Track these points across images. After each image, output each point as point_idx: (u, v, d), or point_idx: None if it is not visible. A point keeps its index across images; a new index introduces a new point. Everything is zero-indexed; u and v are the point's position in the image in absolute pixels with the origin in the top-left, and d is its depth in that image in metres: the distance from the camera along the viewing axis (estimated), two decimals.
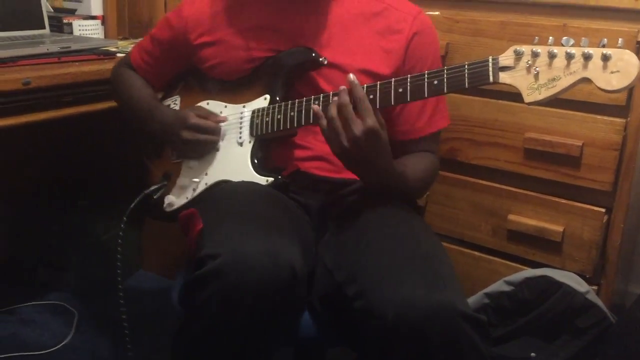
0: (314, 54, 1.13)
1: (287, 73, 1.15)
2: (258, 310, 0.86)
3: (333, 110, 0.99)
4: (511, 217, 1.46)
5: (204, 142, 1.18)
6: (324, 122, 1.01)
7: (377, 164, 1.02)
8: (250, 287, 0.85)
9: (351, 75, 1.00)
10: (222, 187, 1.15)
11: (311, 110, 1.07)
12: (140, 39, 1.42)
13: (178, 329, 0.94)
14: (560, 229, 1.40)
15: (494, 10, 1.46)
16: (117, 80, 1.37)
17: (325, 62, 1.13)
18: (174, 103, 1.31)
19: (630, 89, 1.29)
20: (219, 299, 0.86)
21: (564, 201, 1.41)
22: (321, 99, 1.06)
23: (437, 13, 1.50)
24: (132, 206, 1.26)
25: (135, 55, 1.35)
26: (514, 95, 1.41)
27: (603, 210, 1.37)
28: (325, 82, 1.16)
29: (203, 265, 0.88)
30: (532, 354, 1.35)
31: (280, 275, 0.86)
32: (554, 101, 1.35)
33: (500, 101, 1.44)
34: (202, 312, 0.89)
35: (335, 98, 1.01)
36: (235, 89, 1.21)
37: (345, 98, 0.99)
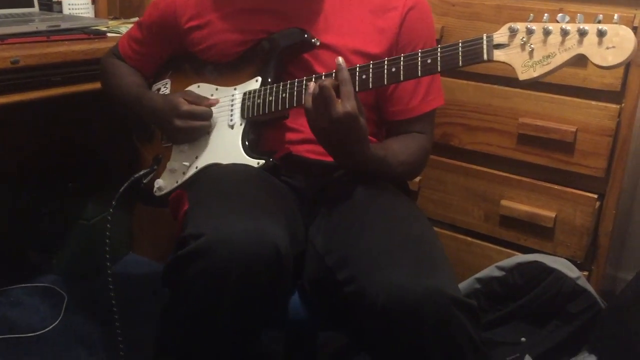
0: (306, 35, 1.12)
1: (279, 55, 1.13)
2: (242, 289, 0.86)
3: (315, 89, 0.98)
4: (504, 202, 1.46)
5: (197, 129, 1.17)
6: (308, 99, 1.01)
7: (352, 148, 1.02)
8: (233, 266, 0.85)
9: (339, 58, 0.99)
10: (211, 170, 1.14)
11: (302, 92, 1.05)
12: (131, 19, 1.40)
13: (163, 308, 0.94)
14: (552, 214, 1.40)
15: None
16: (105, 71, 1.36)
17: (318, 43, 1.12)
18: (165, 87, 1.29)
19: (625, 76, 1.30)
20: (202, 278, 0.86)
21: (556, 187, 1.41)
22: (313, 80, 1.05)
23: None
24: (121, 191, 1.25)
25: (124, 45, 1.34)
26: (509, 80, 1.41)
27: (595, 196, 1.37)
28: (318, 63, 1.15)
29: (186, 245, 0.88)
30: (523, 339, 1.35)
31: (263, 253, 0.86)
32: (549, 86, 1.36)
33: (494, 86, 1.44)
34: (186, 292, 0.89)
35: (310, 82, 1.01)
36: (226, 71, 1.19)
37: (328, 80, 0.99)
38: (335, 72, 1.00)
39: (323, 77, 1.04)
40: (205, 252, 0.86)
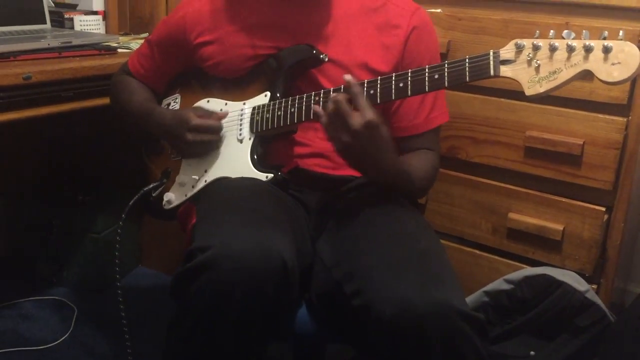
0: (314, 51, 1.13)
1: (287, 70, 1.14)
2: (249, 302, 0.86)
3: (331, 107, 0.99)
4: (511, 215, 1.46)
5: (208, 142, 1.18)
6: (325, 119, 1.01)
7: (379, 158, 1.02)
8: (240, 279, 0.85)
9: (346, 76, 1.00)
10: (220, 183, 1.14)
11: (311, 107, 1.06)
12: (142, 35, 1.42)
13: (171, 321, 0.94)
14: (560, 227, 1.40)
15: (496, 8, 1.45)
16: (115, 87, 1.37)
17: (326, 59, 1.13)
18: (175, 102, 1.31)
19: (631, 89, 1.30)
20: (209, 290, 0.87)
21: (564, 200, 1.40)
22: (321, 94, 1.06)
23: (439, 10, 1.49)
24: (130, 204, 1.26)
25: (134, 61, 1.36)
26: (515, 93, 1.41)
27: (603, 209, 1.37)
28: (325, 78, 1.16)
29: (194, 258, 0.89)
30: (532, 353, 1.35)
31: (270, 267, 0.86)
32: (555, 99, 1.36)
33: (501, 99, 1.44)
34: (193, 304, 0.89)
35: (314, 105, 1.03)
36: (235, 86, 1.20)
37: (340, 95, 0.99)
38: (344, 88, 1.00)
39: (331, 92, 1.05)
40: (212, 265, 0.86)
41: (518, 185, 1.46)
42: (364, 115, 0.97)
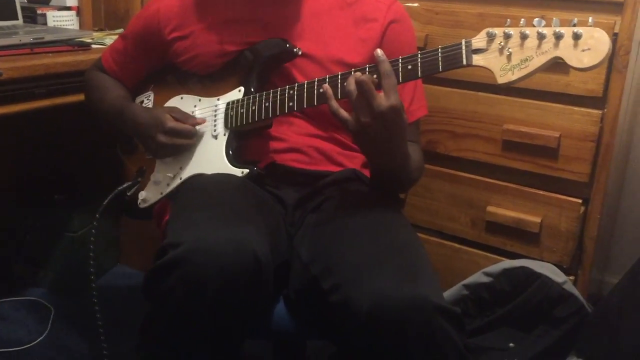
0: (288, 45, 1.12)
1: (261, 65, 1.13)
2: (221, 297, 0.85)
3: (352, 85, 0.95)
4: (490, 208, 1.46)
5: (181, 146, 1.16)
6: (334, 102, 0.98)
7: (393, 143, 0.99)
8: (212, 275, 0.84)
9: (379, 50, 0.96)
10: (195, 180, 1.13)
11: (285, 101, 1.05)
12: (116, 30, 1.40)
13: (144, 319, 0.93)
14: (538, 220, 1.41)
15: (472, 2, 1.46)
16: (88, 84, 1.35)
17: (300, 53, 1.12)
18: (148, 99, 1.29)
19: (606, 82, 1.31)
20: (181, 287, 0.85)
21: (541, 192, 1.41)
22: (296, 88, 1.05)
23: (416, 5, 1.50)
24: (105, 203, 1.24)
25: (107, 57, 1.34)
26: (493, 87, 1.42)
27: (580, 201, 1.38)
28: (299, 72, 1.15)
29: (165, 255, 0.87)
30: (511, 344, 1.35)
31: (242, 262, 0.85)
32: (532, 93, 1.37)
33: (479, 93, 1.45)
34: (165, 301, 0.88)
35: (325, 85, 1.00)
36: (209, 82, 1.19)
37: (365, 75, 0.95)
38: (376, 65, 0.96)
39: (306, 85, 1.04)
40: (183, 260, 0.85)
41: (496, 179, 1.47)
42: (389, 97, 0.94)
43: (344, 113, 0.98)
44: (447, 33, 1.45)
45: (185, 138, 1.15)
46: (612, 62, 1.29)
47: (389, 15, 1.17)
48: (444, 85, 1.48)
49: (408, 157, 1.06)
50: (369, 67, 0.98)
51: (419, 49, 1.29)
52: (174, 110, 1.19)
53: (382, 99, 0.94)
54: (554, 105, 1.37)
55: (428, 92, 1.27)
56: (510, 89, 1.34)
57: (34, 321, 1.71)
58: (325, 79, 1.02)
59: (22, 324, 1.70)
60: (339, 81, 1.00)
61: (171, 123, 1.15)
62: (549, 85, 1.35)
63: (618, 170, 1.61)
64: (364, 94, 0.94)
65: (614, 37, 1.29)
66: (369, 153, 1.05)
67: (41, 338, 1.64)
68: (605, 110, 1.33)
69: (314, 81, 1.03)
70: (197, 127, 1.16)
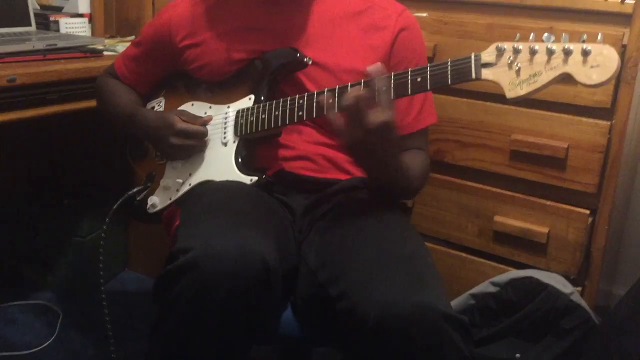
0: (298, 55, 1.13)
1: (271, 73, 1.14)
2: (230, 303, 0.86)
3: (350, 100, 0.96)
4: (497, 218, 1.46)
5: (192, 147, 1.17)
6: (334, 113, 0.99)
7: (385, 156, 1.01)
8: (221, 281, 0.85)
9: (374, 66, 0.97)
10: (204, 187, 1.14)
11: (295, 110, 1.06)
12: (128, 37, 1.42)
13: (154, 324, 0.94)
14: (545, 230, 1.40)
15: (481, 13, 1.46)
16: (100, 89, 1.37)
17: (310, 62, 1.13)
18: (159, 105, 1.30)
19: (615, 93, 1.31)
20: (190, 292, 0.86)
21: (549, 203, 1.41)
22: (305, 97, 1.06)
23: (425, 15, 1.50)
24: (114, 208, 1.25)
25: (120, 64, 1.35)
26: (501, 97, 1.41)
27: (588, 212, 1.38)
28: (310, 81, 1.16)
29: (175, 260, 0.88)
30: (517, 355, 1.35)
31: (251, 268, 0.86)
32: (540, 103, 1.37)
33: (487, 103, 1.45)
34: (174, 307, 0.89)
35: (327, 94, 1.01)
36: (219, 89, 1.20)
37: (363, 91, 0.96)
38: (372, 80, 0.97)
39: (315, 95, 1.04)
40: (192, 266, 0.86)
41: (503, 188, 1.47)
42: (384, 113, 0.95)
43: (339, 125, 0.99)
44: (456, 43, 1.46)
45: (195, 139, 1.17)
46: (621, 74, 1.29)
47: (399, 23, 1.18)
48: (452, 95, 1.48)
49: (403, 168, 1.07)
50: (364, 82, 0.99)
51: (428, 59, 1.31)
52: (182, 113, 1.20)
53: (375, 115, 0.95)
54: (562, 115, 1.37)
55: (436, 102, 1.27)
56: None
57: (42, 325, 1.72)
58: (335, 89, 1.02)
59: (30, 327, 1.71)
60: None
61: (181, 124, 1.16)
62: (557, 96, 1.35)
63: (626, 181, 1.61)
64: (358, 111, 0.95)
65: (623, 49, 1.29)
66: (363, 165, 1.07)
67: (49, 342, 1.65)
68: (614, 121, 1.33)
69: (324, 91, 1.03)
70: (207, 135, 1.17)
